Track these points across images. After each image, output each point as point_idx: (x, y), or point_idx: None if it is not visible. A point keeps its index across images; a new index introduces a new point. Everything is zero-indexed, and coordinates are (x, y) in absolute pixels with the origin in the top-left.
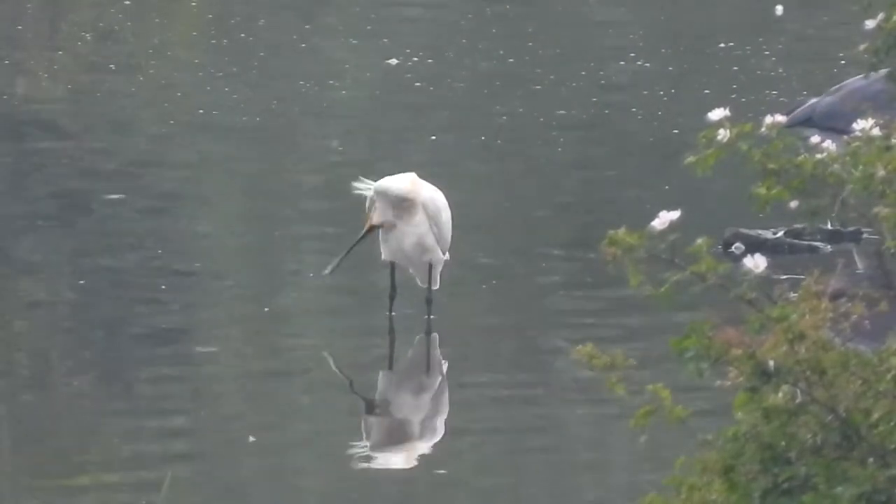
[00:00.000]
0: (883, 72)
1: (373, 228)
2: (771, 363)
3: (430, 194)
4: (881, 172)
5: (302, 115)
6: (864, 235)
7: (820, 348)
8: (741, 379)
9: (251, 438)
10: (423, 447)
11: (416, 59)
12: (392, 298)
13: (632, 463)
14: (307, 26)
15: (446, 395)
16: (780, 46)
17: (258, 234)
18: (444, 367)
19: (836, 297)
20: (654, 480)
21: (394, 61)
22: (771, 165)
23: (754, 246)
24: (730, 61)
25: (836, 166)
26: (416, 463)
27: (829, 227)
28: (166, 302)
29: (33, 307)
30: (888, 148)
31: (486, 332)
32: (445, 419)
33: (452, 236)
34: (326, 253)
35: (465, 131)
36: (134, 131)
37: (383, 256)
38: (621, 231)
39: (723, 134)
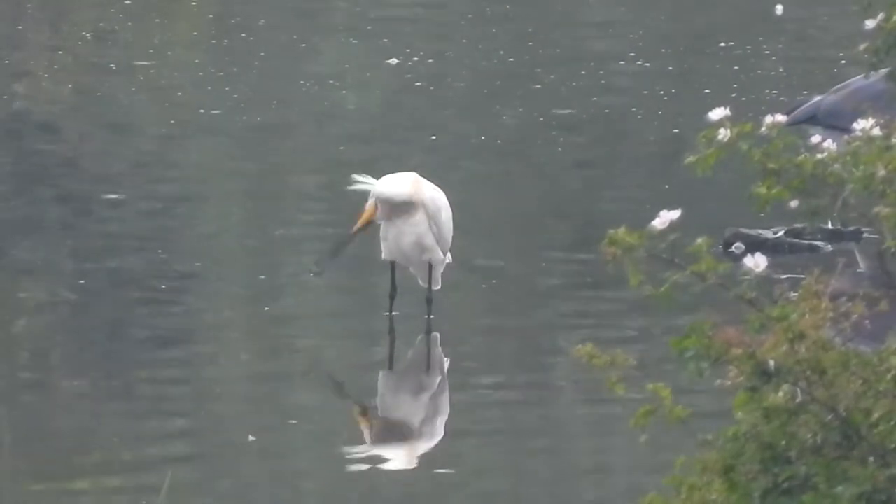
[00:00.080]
0: (883, 71)
1: (366, 224)
2: (771, 363)
3: (430, 193)
4: (882, 172)
5: (302, 115)
6: (865, 235)
7: (820, 348)
8: (741, 379)
9: (251, 437)
10: (424, 448)
11: (416, 59)
12: (392, 298)
13: (633, 465)
14: (307, 26)
15: (447, 395)
16: (780, 46)
17: (258, 235)
18: (445, 367)
19: (836, 296)
20: (654, 483)
21: (394, 61)
22: (771, 165)
23: (754, 246)
24: (730, 61)
25: (836, 166)
26: (416, 464)
27: (829, 226)
28: (167, 303)
29: (34, 308)
30: (888, 147)
31: (487, 333)
32: (446, 420)
33: (452, 236)
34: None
35: (465, 131)
36: (134, 132)
37: (383, 256)
38: (621, 231)
39: (723, 134)
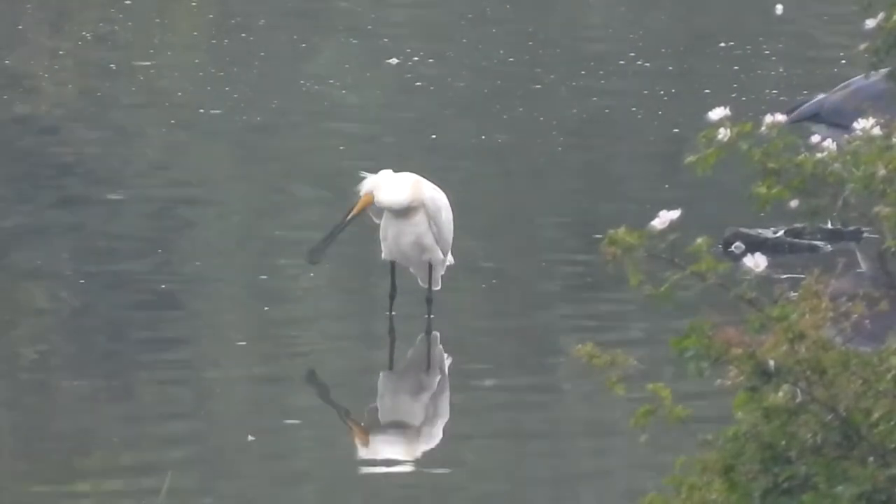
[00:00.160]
0: (884, 71)
1: (363, 208)
2: (771, 363)
3: (430, 193)
4: (882, 172)
5: (302, 115)
6: (865, 235)
7: (820, 348)
8: (741, 378)
9: (250, 438)
10: (424, 449)
11: (416, 59)
12: (392, 298)
13: (633, 468)
14: (307, 26)
15: (447, 396)
16: (780, 46)
17: (259, 236)
18: (445, 368)
19: (836, 296)
20: (655, 486)
21: (394, 61)
22: (771, 165)
23: (754, 245)
24: (730, 61)
25: (836, 165)
26: (416, 465)
27: (829, 226)
28: (167, 305)
29: (35, 311)
30: (889, 147)
31: (487, 334)
32: (446, 421)
33: (453, 237)
34: (327, 254)
35: (465, 131)
36: (134, 132)
37: (383, 256)
38: (621, 230)
39: (723, 133)
